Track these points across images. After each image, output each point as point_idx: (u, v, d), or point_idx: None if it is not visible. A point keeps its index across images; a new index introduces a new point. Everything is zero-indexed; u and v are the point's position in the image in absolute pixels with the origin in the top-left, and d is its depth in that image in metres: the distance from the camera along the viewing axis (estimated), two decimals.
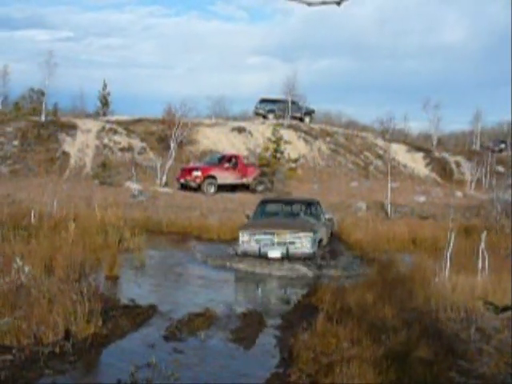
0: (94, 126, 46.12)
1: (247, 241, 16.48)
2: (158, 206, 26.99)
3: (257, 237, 16.41)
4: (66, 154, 42.08)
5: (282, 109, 53.83)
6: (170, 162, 38.59)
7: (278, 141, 37.86)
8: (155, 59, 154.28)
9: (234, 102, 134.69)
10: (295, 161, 39.52)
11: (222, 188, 34.91)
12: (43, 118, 46.56)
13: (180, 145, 42.51)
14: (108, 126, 46.36)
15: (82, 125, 45.83)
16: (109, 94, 59.51)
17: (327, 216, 19.96)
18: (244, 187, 36.45)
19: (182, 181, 35.19)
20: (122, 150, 43.62)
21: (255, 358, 9.03)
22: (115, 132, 45.49)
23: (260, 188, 36.22)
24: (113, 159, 41.21)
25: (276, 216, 19.04)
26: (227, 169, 35.91)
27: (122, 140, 44.77)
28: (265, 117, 54.41)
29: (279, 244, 16.20)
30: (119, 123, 47.35)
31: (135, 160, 41.52)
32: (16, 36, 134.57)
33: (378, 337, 9.09)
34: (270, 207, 19.87)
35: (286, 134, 44.90)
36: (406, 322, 9.94)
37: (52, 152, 41.90)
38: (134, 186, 33.51)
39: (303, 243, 16.18)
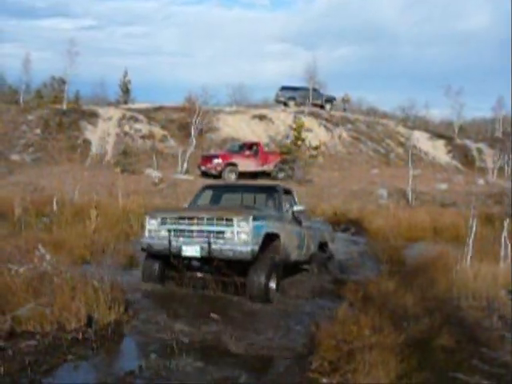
0: (115, 113, 46.25)
1: (155, 230, 11.45)
2: (178, 194, 26.99)
3: (168, 225, 11.28)
4: (87, 142, 42.26)
5: (302, 96, 53.68)
6: (190, 150, 38.61)
7: (298, 128, 37.77)
8: (176, 47, 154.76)
9: (254, 89, 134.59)
10: (316, 148, 39.38)
11: (243, 175, 34.89)
12: (65, 106, 46.77)
13: (201, 132, 42.55)
14: (129, 113, 46.47)
15: (103, 113, 45.99)
16: (130, 81, 59.66)
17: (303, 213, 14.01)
18: (265, 175, 36.38)
19: (203, 168, 35.23)
20: (142, 137, 43.71)
21: None
22: (136, 120, 45.59)
23: (281, 175, 36.15)
24: (134, 147, 41.31)
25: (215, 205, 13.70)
26: (248, 156, 35.87)
27: (143, 128, 44.86)
28: (286, 104, 54.32)
29: (199, 234, 10.84)
30: (140, 111, 47.45)
31: (156, 148, 41.59)
32: (39, 25, 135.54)
33: (400, 324, 9.08)
34: (214, 195, 14.25)
35: (307, 121, 44.78)
36: (428, 309, 9.90)
37: (73, 140, 42.09)
38: (154, 174, 33.60)
39: (237, 234, 10.51)
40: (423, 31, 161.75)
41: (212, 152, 38.65)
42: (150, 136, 43.89)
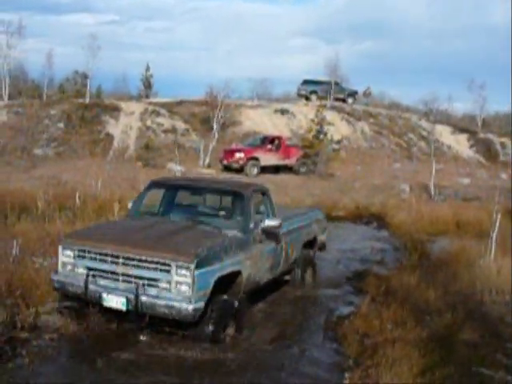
0: (137, 108, 46.35)
1: (70, 264, 8.84)
2: None
3: (87, 261, 8.67)
4: (109, 136, 42.37)
5: (324, 90, 53.58)
6: (212, 144, 38.61)
7: (320, 122, 37.67)
8: (197, 42, 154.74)
9: (276, 83, 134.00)
10: (338, 142, 39.28)
11: (265, 169, 34.86)
12: (87, 101, 46.96)
13: (223, 126, 42.53)
14: (151, 108, 46.55)
15: (125, 107, 46.11)
16: (151, 76, 59.68)
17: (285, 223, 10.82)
18: (287, 169, 36.35)
19: (225, 162, 35.24)
20: (164, 131, 43.76)
21: None
22: (158, 114, 45.66)
23: (303, 170, 36.10)
24: (156, 141, 41.34)
25: (162, 216, 10.68)
26: (270, 150, 35.82)
27: (165, 122, 44.91)
28: (307, 98, 54.16)
29: (126, 279, 8.32)
30: (162, 105, 47.51)
31: (178, 142, 41.63)
32: (62, 20, 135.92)
33: (422, 319, 9.06)
34: (165, 196, 11.19)
35: (329, 115, 44.60)
36: (451, 304, 9.87)
37: (96, 134, 42.24)
38: (176, 168, 33.63)
39: (175, 285, 8.04)
40: (446, 24, 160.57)
41: (234, 146, 38.62)
42: (172, 130, 43.92)
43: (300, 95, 55.44)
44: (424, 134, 51.57)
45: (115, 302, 8.23)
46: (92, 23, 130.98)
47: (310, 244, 12.64)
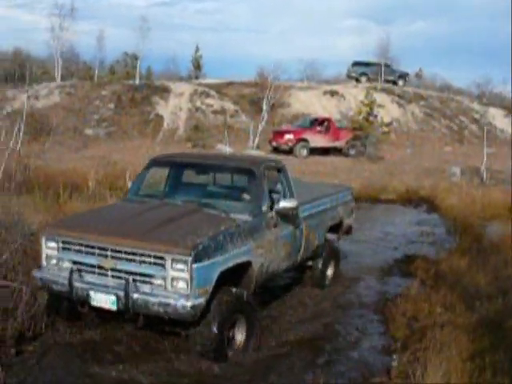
0: (186, 89, 46.54)
1: (55, 258, 7.75)
2: None
3: (72, 254, 7.59)
4: (159, 117, 42.67)
5: (375, 72, 53.21)
6: (261, 125, 38.61)
7: (370, 104, 37.38)
8: (248, 23, 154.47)
9: (326, 65, 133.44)
10: (388, 125, 38.98)
11: (314, 151, 34.76)
12: (137, 82, 47.31)
13: (272, 107, 42.49)
14: (200, 89, 46.70)
15: (174, 88, 46.34)
16: (201, 57, 59.79)
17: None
18: (336, 151, 36.22)
19: (274, 144, 35.27)
20: (214, 112, 43.88)
21: None
22: (208, 95, 45.79)
23: (352, 152, 35.94)
24: (205, 122, 41.51)
25: (165, 198, 9.29)
26: (319, 132, 35.74)
27: (215, 103, 45.03)
28: (357, 80, 53.86)
29: (116, 274, 7.27)
30: (211, 86, 47.65)
31: (227, 123, 41.70)
32: (113, 2, 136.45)
33: (472, 303, 8.95)
34: (169, 175, 9.97)
35: (379, 97, 44.24)
36: (501, 289, 9.73)
37: (146, 115, 42.57)
38: (225, 149, 33.71)
39: (171, 282, 6.97)
40: (501, 2, 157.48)
41: (283, 127, 38.57)
42: (222, 111, 44.03)
43: (350, 77, 55.17)
44: (476, 117, 50.85)
45: (104, 300, 7.18)
46: (143, 5, 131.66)
47: (335, 228, 11.46)
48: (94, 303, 7.26)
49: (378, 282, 11.55)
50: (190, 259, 6.80)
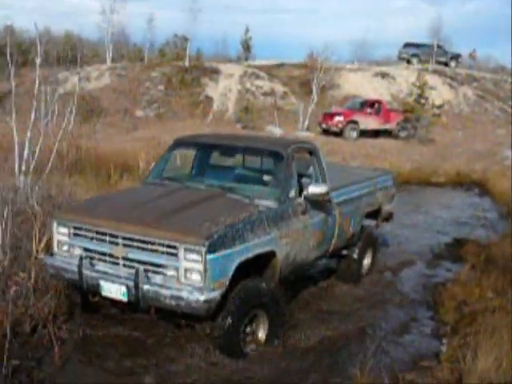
0: (236, 70, 46.53)
1: (66, 244, 7.44)
2: None
3: (83, 241, 7.26)
4: (208, 99, 42.78)
5: (426, 53, 52.50)
6: (311, 107, 38.45)
7: (422, 86, 36.92)
8: (298, 4, 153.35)
9: (377, 46, 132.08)
10: (439, 107, 38.41)
11: (364, 133, 34.54)
12: (187, 63, 47.40)
13: (322, 89, 42.25)
14: (250, 70, 46.65)
15: (224, 69, 46.38)
16: (251, 38, 59.67)
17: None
18: (386, 133, 35.92)
19: (324, 126, 35.11)
20: (263, 94, 43.81)
21: None
22: (257, 76, 45.73)
23: (403, 134, 35.58)
24: (255, 103, 41.42)
25: (190, 181, 8.92)
26: (370, 114, 35.45)
27: (264, 84, 44.95)
28: (409, 61, 53.27)
29: (127, 265, 6.90)
30: (261, 68, 47.56)
31: (277, 104, 41.62)
32: None
33: None
34: (196, 157, 9.65)
35: (431, 79, 43.66)
36: None
37: (195, 96, 42.69)
38: (275, 130, 33.68)
39: (184, 273, 6.55)
40: None
41: (333, 109, 38.36)
42: (271, 93, 43.94)
43: (401, 58, 54.58)
44: None
45: (115, 291, 6.83)
46: None
47: (373, 215, 10.78)
48: (105, 293, 6.94)
49: (428, 266, 11.49)
50: (203, 249, 6.36)
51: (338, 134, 33.93)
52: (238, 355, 6.86)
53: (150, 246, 6.65)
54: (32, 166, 11.17)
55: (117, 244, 6.87)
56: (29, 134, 11.35)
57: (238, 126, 35.87)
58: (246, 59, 56.40)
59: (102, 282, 6.86)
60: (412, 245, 13.08)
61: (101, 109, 37.09)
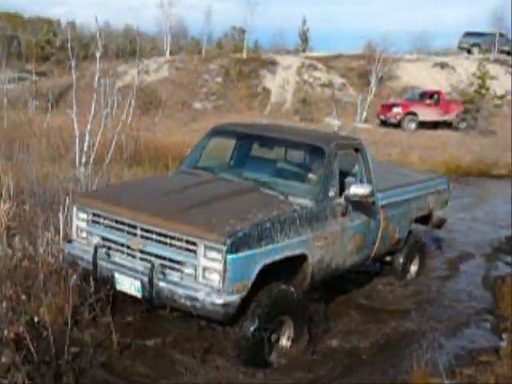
0: (294, 62, 46.49)
1: (85, 231, 6.95)
2: None
3: (101, 229, 6.74)
4: (266, 90, 42.83)
5: (487, 42, 51.58)
6: (369, 98, 38.21)
7: (482, 76, 36.31)
8: None
9: (436, 36, 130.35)
10: (501, 97, 37.74)
11: (423, 125, 34.15)
12: (244, 55, 47.54)
13: (380, 80, 42.01)
14: (308, 62, 46.55)
15: (282, 61, 46.37)
16: (308, 30, 59.55)
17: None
18: (446, 124, 35.45)
19: (382, 117, 34.88)
20: (321, 85, 43.71)
21: None
22: (315, 68, 45.61)
23: (463, 125, 35.08)
24: (313, 95, 41.36)
25: (227, 172, 8.23)
26: (429, 105, 35.05)
27: (322, 76, 44.83)
28: (469, 51, 52.46)
29: (144, 258, 6.34)
30: (319, 59, 47.43)
31: (335, 96, 41.44)
32: None
33: None
34: (235, 147, 8.90)
35: (492, 68, 42.83)
36: None
37: (253, 88, 42.81)
38: (334, 122, 33.51)
39: (202, 272, 5.94)
40: None
41: (391, 100, 38.04)
42: (329, 84, 43.81)
43: (461, 48, 53.77)
44: None
45: (129, 285, 6.33)
46: None
47: (423, 221, 9.89)
48: (119, 287, 6.45)
49: (487, 260, 11.30)
50: (224, 248, 5.73)
51: (397, 125, 33.65)
52: (259, 365, 6.26)
53: (168, 240, 6.10)
54: (92, 158, 11.33)
55: (135, 235, 6.36)
56: (89, 127, 11.53)
57: (296, 118, 35.83)
58: (304, 51, 56.32)
59: (116, 275, 6.39)
60: (471, 237, 12.88)
61: (159, 101, 37.42)
